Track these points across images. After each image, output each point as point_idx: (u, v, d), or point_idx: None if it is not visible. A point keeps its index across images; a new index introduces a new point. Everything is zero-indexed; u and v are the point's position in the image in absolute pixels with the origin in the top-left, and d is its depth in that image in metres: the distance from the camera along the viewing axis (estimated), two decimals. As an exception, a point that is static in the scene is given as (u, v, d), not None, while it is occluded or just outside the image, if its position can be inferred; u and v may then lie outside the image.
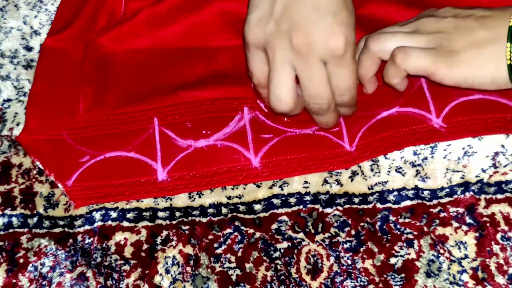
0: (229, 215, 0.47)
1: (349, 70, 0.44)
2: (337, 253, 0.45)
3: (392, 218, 0.46)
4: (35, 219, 0.49)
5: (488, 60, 0.42)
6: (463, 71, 0.42)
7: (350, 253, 0.45)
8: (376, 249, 0.45)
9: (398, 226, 0.45)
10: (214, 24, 0.54)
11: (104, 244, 0.48)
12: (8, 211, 0.50)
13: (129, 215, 0.48)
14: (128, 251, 0.47)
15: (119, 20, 0.56)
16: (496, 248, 0.44)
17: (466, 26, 0.43)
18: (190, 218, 0.48)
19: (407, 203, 0.46)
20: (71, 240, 0.48)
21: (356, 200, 0.47)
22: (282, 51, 0.43)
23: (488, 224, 0.44)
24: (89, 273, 0.47)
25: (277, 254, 0.46)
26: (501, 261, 0.43)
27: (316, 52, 0.43)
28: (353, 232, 0.46)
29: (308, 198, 0.47)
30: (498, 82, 0.42)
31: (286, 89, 0.44)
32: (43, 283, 0.47)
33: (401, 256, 0.44)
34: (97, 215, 0.49)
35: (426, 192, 0.46)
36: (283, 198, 0.47)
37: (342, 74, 0.44)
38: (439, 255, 0.44)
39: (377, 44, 0.45)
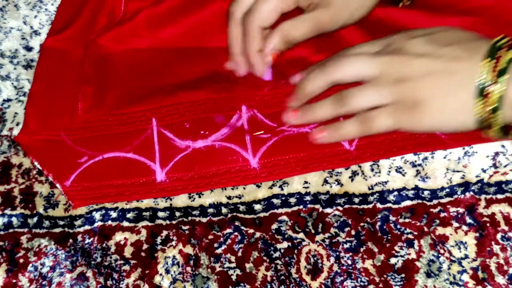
0: (229, 215, 0.47)
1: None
2: (337, 253, 0.45)
3: (392, 218, 0.46)
4: (35, 219, 0.49)
5: (454, 111, 0.42)
6: (429, 123, 0.43)
7: (350, 253, 0.45)
8: (376, 249, 0.45)
9: (398, 226, 0.45)
10: (213, 24, 0.54)
11: (104, 244, 0.48)
12: (8, 211, 0.50)
13: (129, 215, 0.48)
14: (128, 251, 0.47)
15: (119, 21, 0.56)
16: (496, 248, 0.44)
17: (435, 71, 0.42)
18: (190, 218, 0.48)
19: (407, 203, 0.46)
20: (71, 240, 0.48)
21: (356, 200, 0.47)
22: None
23: (488, 224, 0.44)
24: (89, 273, 0.47)
25: (277, 254, 0.46)
26: (501, 261, 0.43)
27: None
28: (353, 232, 0.46)
29: (308, 198, 0.47)
30: (468, 129, 0.43)
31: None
32: (43, 283, 0.47)
33: (401, 256, 0.44)
34: (97, 215, 0.49)
35: (426, 192, 0.46)
36: (283, 198, 0.47)
37: None
38: (439, 255, 0.44)
39: (337, 70, 0.46)
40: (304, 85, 0.47)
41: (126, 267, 0.47)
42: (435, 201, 0.46)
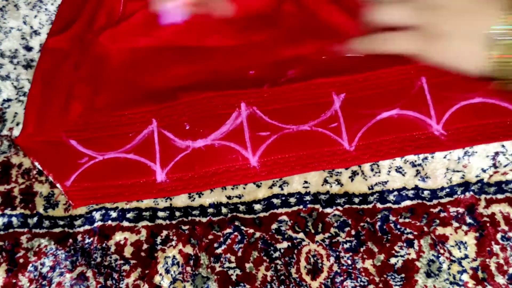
0: (229, 215, 0.47)
1: None
2: (337, 253, 0.45)
3: (392, 218, 0.46)
4: (35, 219, 0.49)
5: (471, 54, 0.43)
6: (446, 59, 0.44)
7: (350, 253, 0.45)
8: (376, 249, 0.45)
9: (398, 226, 0.45)
10: (210, 23, 0.53)
11: (104, 244, 0.48)
12: (8, 211, 0.50)
13: (129, 215, 0.48)
14: (128, 251, 0.47)
15: (117, 20, 0.56)
16: (496, 248, 0.44)
17: (463, 13, 0.43)
18: (190, 218, 0.48)
19: (407, 203, 0.46)
20: (71, 240, 0.48)
21: (356, 200, 0.47)
22: None
23: (488, 224, 0.44)
24: (89, 273, 0.47)
25: (277, 254, 0.46)
26: (501, 261, 0.43)
27: None
28: (353, 232, 0.46)
29: (308, 198, 0.47)
30: (481, 72, 0.43)
31: None
32: (43, 283, 0.47)
33: (401, 256, 0.44)
34: (97, 215, 0.49)
35: (426, 192, 0.46)
36: (283, 198, 0.47)
37: None
38: (439, 255, 0.44)
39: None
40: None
41: (126, 267, 0.47)
42: (435, 201, 0.46)
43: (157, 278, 0.46)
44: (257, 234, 0.46)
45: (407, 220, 0.45)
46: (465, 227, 0.44)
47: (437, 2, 0.45)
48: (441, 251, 0.44)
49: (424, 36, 0.44)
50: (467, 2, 0.44)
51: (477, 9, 0.43)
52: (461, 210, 0.45)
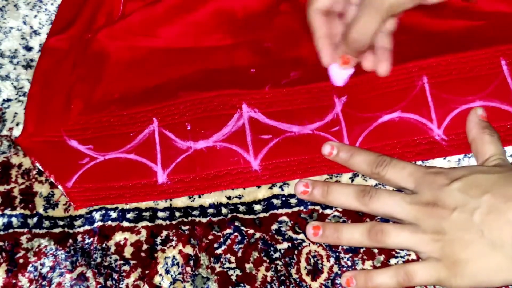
0: (229, 215, 0.47)
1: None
2: (337, 254, 0.45)
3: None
4: (35, 219, 0.49)
5: (495, 271, 0.40)
6: (470, 283, 0.41)
7: (350, 254, 0.45)
8: (376, 250, 0.45)
9: (398, 227, 0.45)
10: (209, 24, 0.53)
11: (104, 244, 0.48)
12: (8, 211, 0.49)
13: (129, 215, 0.48)
14: (128, 251, 0.47)
15: (116, 20, 0.55)
16: (496, 249, 0.44)
17: (471, 229, 0.40)
18: (190, 218, 0.48)
19: (407, 204, 0.46)
20: (71, 240, 0.48)
21: (356, 200, 0.47)
22: None
23: (488, 225, 0.44)
24: (89, 273, 0.47)
25: (277, 254, 0.46)
26: (501, 262, 0.43)
27: None
28: (353, 233, 0.46)
29: (308, 198, 0.47)
30: (510, 283, 0.41)
31: None
32: (43, 283, 0.47)
33: (401, 257, 0.44)
34: (97, 215, 0.49)
35: (426, 193, 0.46)
36: (283, 199, 0.47)
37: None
38: (439, 256, 0.44)
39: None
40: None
41: (126, 267, 0.47)
42: (435, 202, 0.46)
43: (157, 279, 0.46)
44: (257, 235, 0.47)
45: (407, 221, 0.45)
46: (465, 228, 0.44)
47: (441, 228, 0.41)
48: (441, 252, 0.44)
49: (441, 266, 0.41)
50: (470, 218, 0.40)
51: (483, 222, 0.40)
52: (461, 211, 0.45)
